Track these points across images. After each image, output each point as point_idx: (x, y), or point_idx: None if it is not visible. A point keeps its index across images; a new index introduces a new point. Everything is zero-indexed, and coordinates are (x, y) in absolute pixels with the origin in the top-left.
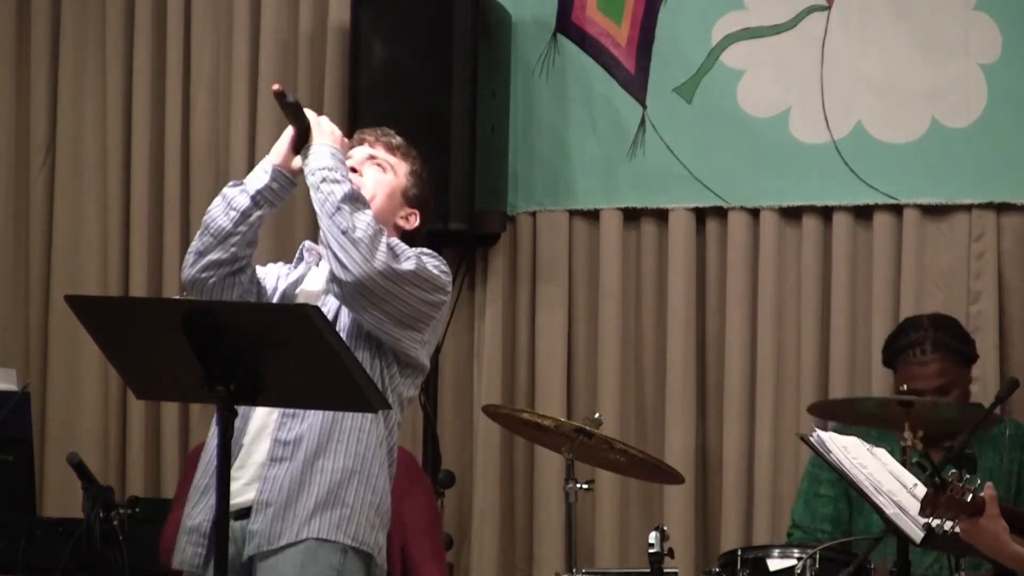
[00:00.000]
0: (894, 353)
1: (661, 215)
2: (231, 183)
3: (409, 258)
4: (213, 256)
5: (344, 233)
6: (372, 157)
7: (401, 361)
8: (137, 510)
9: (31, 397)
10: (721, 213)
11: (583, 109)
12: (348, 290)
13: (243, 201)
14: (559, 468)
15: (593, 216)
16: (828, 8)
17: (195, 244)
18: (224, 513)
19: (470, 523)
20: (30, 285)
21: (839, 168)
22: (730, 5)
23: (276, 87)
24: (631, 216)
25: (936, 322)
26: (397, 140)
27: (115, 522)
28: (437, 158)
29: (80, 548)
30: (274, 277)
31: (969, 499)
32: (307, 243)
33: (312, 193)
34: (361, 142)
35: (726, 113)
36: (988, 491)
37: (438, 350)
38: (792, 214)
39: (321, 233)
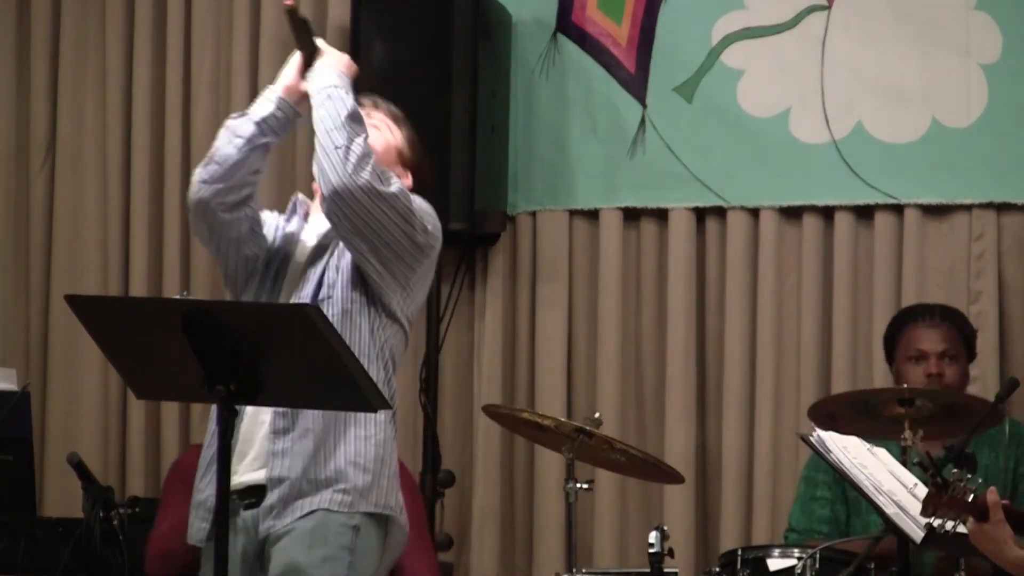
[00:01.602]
0: (901, 322)
1: (661, 215)
2: (234, 114)
3: (394, 184)
4: (219, 184)
5: (336, 149)
6: (370, 117)
7: (387, 312)
8: (137, 510)
9: (31, 397)
10: (721, 213)
11: (583, 109)
12: (330, 204)
13: (247, 128)
14: (559, 468)
15: (593, 216)
16: (828, 8)
17: (199, 172)
18: (224, 513)
19: (470, 523)
20: (30, 285)
21: (839, 168)
22: (730, 5)
23: (289, 2)
24: (631, 216)
25: (945, 306)
26: (396, 110)
27: (115, 522)
28: (437, 158)
29: (80, 548)
30: (272, 227)
31: (971, 499)
32: (299, 196)
33: (314, 110)
34: (361, 106)
35: (726, 113)
36: (992, 496)
37: (438, 349)
38: (792, 214)
39: (315, 149)
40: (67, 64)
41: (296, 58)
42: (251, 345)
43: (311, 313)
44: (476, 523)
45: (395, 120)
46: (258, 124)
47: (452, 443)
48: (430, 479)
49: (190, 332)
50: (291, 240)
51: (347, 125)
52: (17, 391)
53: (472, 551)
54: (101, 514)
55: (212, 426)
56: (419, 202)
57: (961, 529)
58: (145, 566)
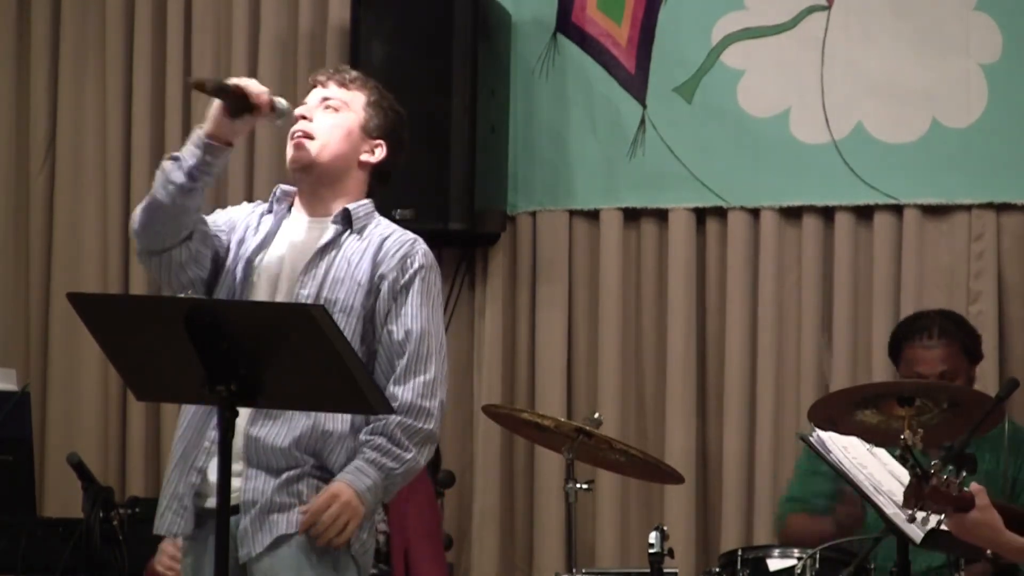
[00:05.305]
0: (900, 339)
1: (661, 215)
2: (168, 156)
3: (430, 383)
4: (156, 228)
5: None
6: (325, 100)
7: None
8: (137, 510)
9: (31, 397)
10: (721, 213)
11: (583, 109)
12: None
13: (179, 177)
14: (559, 468)
15: (593, 216)
16: (828, 8)
17: (137, 217)
18: (224, 516)
19: (470, 523)
20: (30, 285)
21: (839, 168)
22: (730, 5)
23: (191, 80)
24: (631, 216)
25: (945, 313)
26: (352, 74)
27: (115, 522)
28: (437, 158)
29: (80, 548)
30: (242, 228)
31: (955, 493)
32: (281, 187)
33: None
34: (315, 84)
35: (726, 113)
36: (975, 485)
37: None
38: (792, 214)
39: None
40: (67, 64)
41: (218, 102)
42: (253, 344)
43: (315, 313)
44: (476, 523)
45: (350, 87)
46: (189, 174)
47: (452, 443)
48: (432, 482)
49: (192, 330)
50: (264, 243)
51: (406, 472)
52: (17, 391)
53: (472, 551)
54: (101, 514)
55: (184, 419)
56: (436, 304)
57: (948, 527)
58: None
